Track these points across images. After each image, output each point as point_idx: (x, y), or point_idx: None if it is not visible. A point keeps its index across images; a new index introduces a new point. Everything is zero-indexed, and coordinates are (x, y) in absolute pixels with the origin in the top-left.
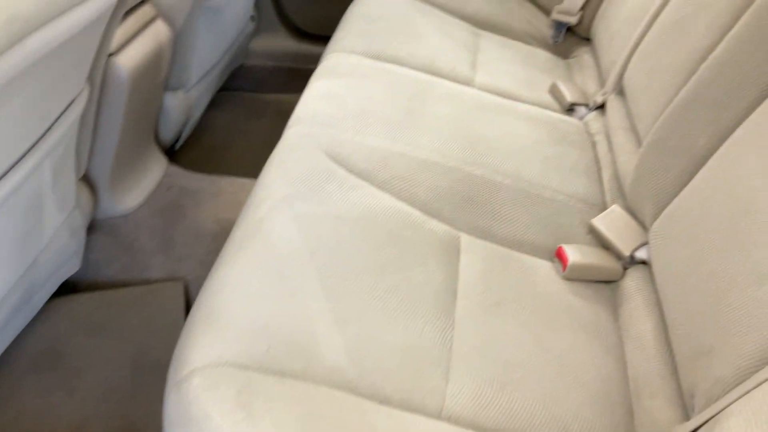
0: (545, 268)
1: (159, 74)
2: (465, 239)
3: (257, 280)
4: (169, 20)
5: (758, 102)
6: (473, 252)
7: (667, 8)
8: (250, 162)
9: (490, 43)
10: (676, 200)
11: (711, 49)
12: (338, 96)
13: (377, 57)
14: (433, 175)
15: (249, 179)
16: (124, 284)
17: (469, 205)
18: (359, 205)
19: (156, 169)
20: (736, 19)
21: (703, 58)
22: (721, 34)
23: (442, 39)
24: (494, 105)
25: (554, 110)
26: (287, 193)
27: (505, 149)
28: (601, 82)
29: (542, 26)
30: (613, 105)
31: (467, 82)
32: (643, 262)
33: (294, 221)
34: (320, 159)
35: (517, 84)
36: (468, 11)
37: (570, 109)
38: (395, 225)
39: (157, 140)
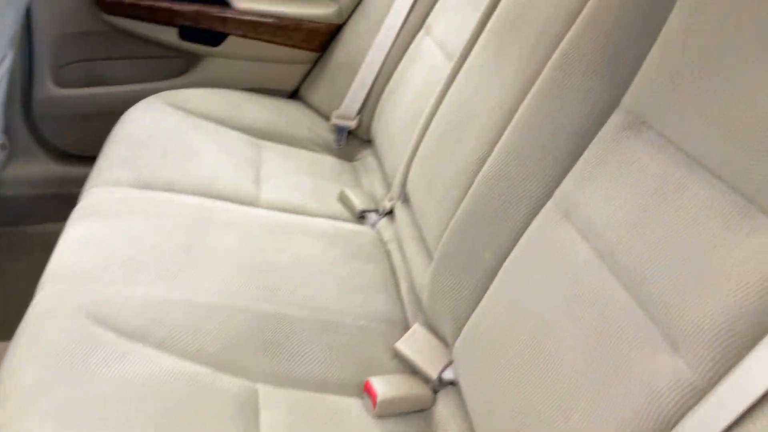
0: (356, 408)
1: None
2: (263, 391)
3: None
4: None
5: (533, 215)
6: (274, 406)
7: (437, 117)
8: (9, 318)
9: (272, 154)
10: (473, 317)
11: (482, 161)
12: (101, 241)
13: (147, 186)
14: (221, 321)
15: (5, 342)
16: None
17: (264, 350)
18: (133, 377)
19: None
20: (502, 131)
21: (477, 171)
22: (490, 146)
23: (221, 155)
24: (283, 225)
25: (346, 219)
26: (39, 379)
27: (299, 276)
28: (387, 185)
29: (323, 131)
30: (402, 213)
31: (252, 202)
32: (453, 383)
33: (49, 417)
34: (81, 324)
35: (305, 196)
36: (246, 122)
37: (361, 216)
38: (179, 393)
39: None
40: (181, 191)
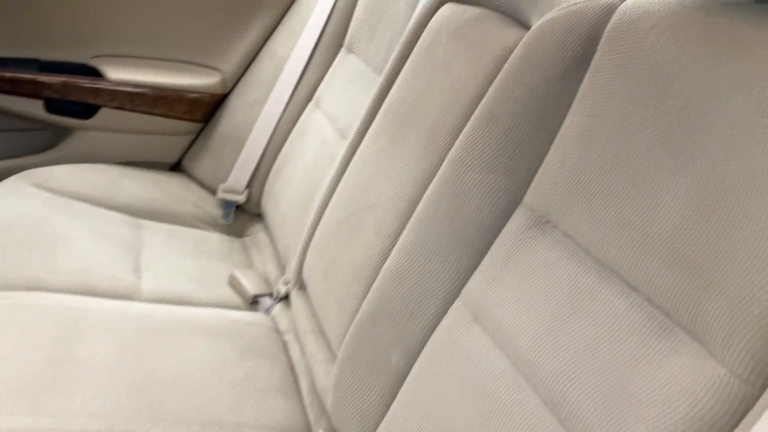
0: None
1: None
2: None
3: None
4: None
5: (441, 314)
6: None
7: (333, 203)
8: None
9: (154, 235)
10: (383, 426)
11: (384, 255)
12: None
13: (8, 287)
14: None
15: None
16: None
17: None
18: None
19: None
20: (403, 224)
21: (378, 266)
22: (392, 240)
23: (96, 242)
24: (166, 322)
25: (237, 307)
26: None
27: (186, 386)
28: (281, 265)
29: (210, 206)
30: (299, 301)
31: (131, 295)
32: None
33: None
34: None
35: (191, 283)
36: (123, 200)
37: (254, 302)
38: None
39: None
40: (48, 289)
